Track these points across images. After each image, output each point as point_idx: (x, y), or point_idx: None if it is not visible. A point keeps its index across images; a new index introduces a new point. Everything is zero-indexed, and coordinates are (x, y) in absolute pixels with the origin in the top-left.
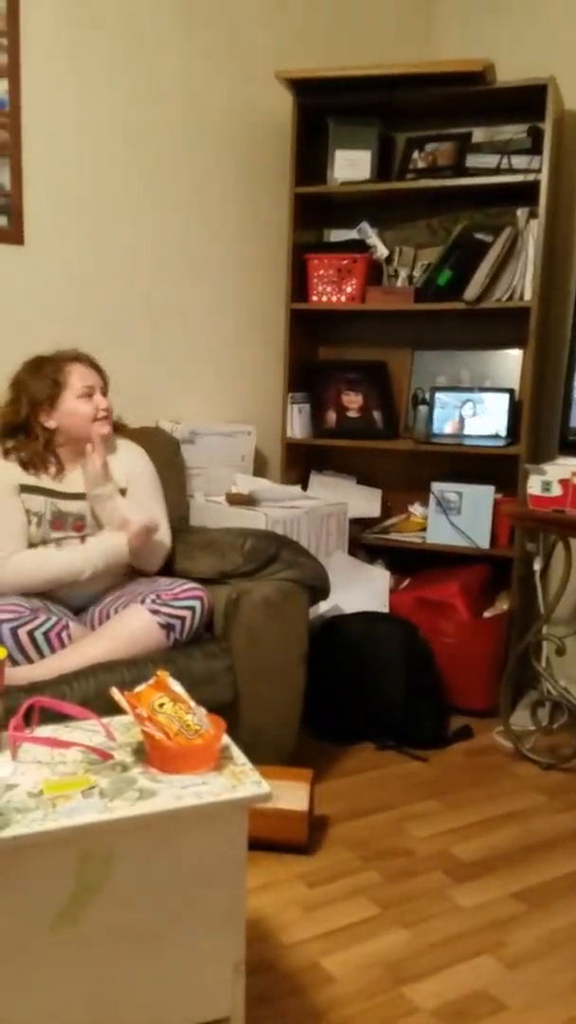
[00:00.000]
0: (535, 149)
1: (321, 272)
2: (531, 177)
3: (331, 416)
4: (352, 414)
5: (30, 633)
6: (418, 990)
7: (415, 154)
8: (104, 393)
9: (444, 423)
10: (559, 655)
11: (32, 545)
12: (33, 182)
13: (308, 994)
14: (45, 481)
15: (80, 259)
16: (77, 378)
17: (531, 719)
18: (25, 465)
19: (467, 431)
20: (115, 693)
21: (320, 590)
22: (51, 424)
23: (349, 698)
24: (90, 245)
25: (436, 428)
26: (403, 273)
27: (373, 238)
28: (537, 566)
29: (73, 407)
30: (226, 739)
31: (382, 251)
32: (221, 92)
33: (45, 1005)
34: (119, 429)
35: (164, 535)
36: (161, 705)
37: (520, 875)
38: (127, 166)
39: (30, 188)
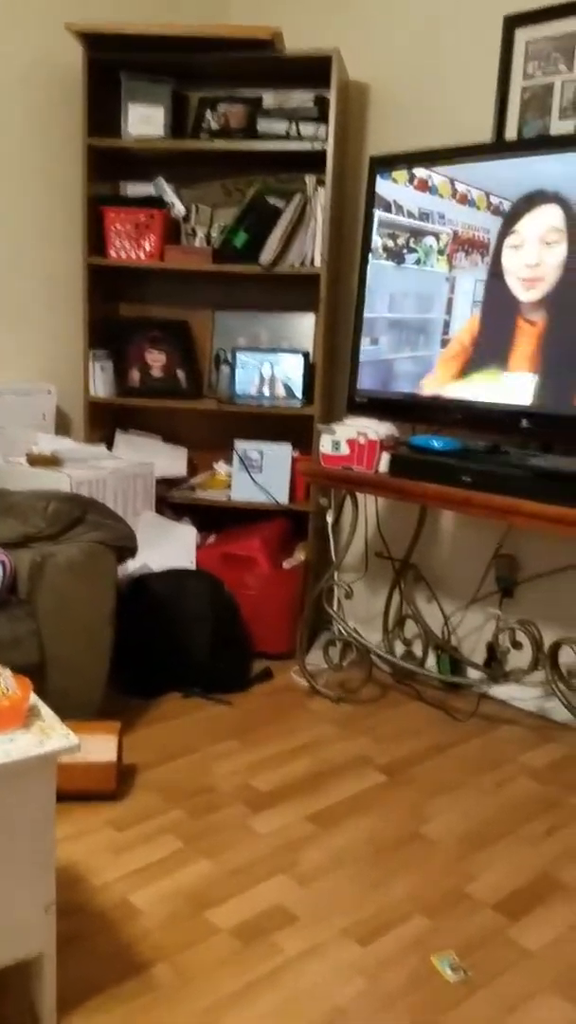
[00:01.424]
0: (322, 118)
1: (118, 226)
2: (318, 145)
3: (135, 375)
4: (156, 373)
5: None
6: (218, 913)
7: (208, 114)
8: None
9: (246, 384)
10: (348, 599)
11: None
12: None
13: (117, 929)
14: None
15: None
16: None
17: (324, 658)
18: None
19: (266, 392)
20: None
21: (128, 550)
22: None
23: (158, 652)
24: None
25: (239, 389)
26: (201, 232)
27: (170, 195)
28: (329, 519)
29: None
30: (34, 698)
31: (179, 208)
32: (11, 41)
33: None
34: None
35: None
36: None
37: (312, 800)
38: None
39: None
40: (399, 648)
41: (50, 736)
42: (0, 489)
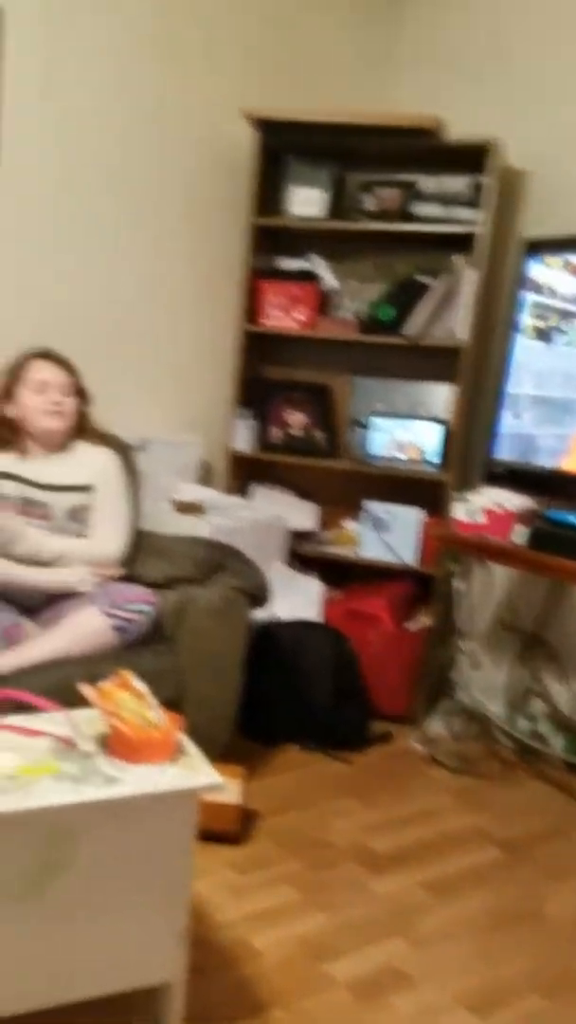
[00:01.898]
0: (476, 202)
1: (272, 297)
2: (470, 228)
3: (275, 432)
4: (295, 432)
5: None
6: (335, 966)
7: (365, 196)
8: (68, 393)
9: (380, 447)
10: (473, 669)
11: None
12: (1, 191)
13: (237, 967)
14: (20, 469)
15: (39, 271)
16: (34, 372)
17: (444, 726)
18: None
19: (399, 455)
20: (83, 688)
21: (260, 599)
22: (11, 413)
23: (280, 701)
24: (50, 258)
25: (372, 450)
26: (348, 304)
27: (323, 270)
28: (458, 585)
29: (26, 399)
30: (180, 734)
31: (330, 282)
32: (187, 122)
33: (6, 965)
34: (86, 431)
35: (115, 543)
36: (124, 701)
37: (428, 868)
38: (93, 182)
39: None
40: (523, 723)
41: (196, 773)
42: (149, 532)
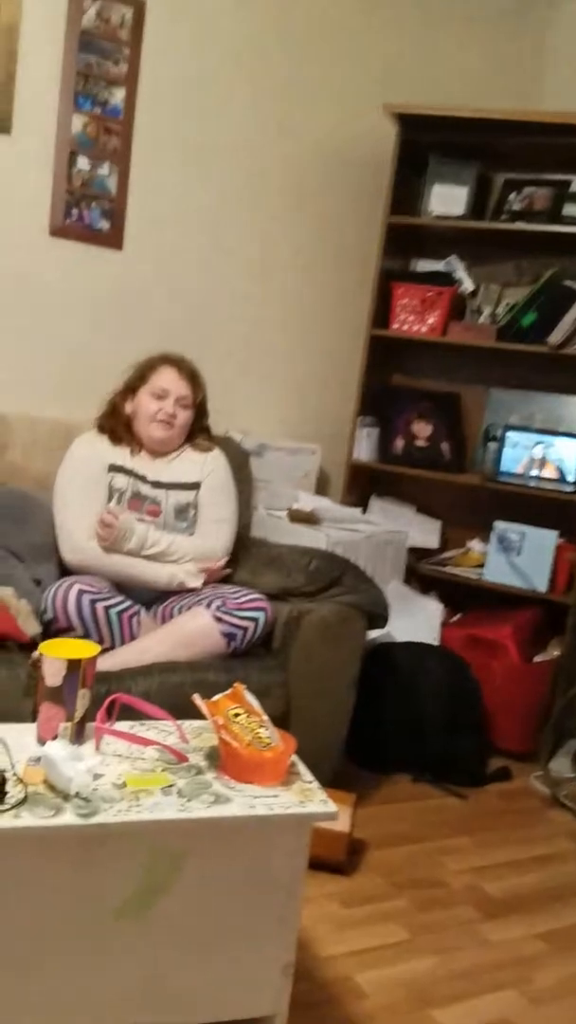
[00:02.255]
0: None
1: (405, 301)
2: None
3: (399, 443)
4: (420, 443)
5: (106, 609)
6: (443, 1014)
7: (511, 196)
8: (184, 405)
9: (513, 463)
10: None
11: None
12: (137, 191)
13: (342, 1005)
14: (132, 463)
15: (172, 268)
16: (157, 377)
17: (571, 767)
18: (112, 439)
19: (535, 473)
20: (196, 699)
21: (379, 618)
22: (127, 409)
23: (392, 727)
24: (183, 255)
25: (504, 466)
26: (486, 310)
27: (461, 272)
28: None
29: (142, 401)
30: (293, 757)
31: (468, 285)
32: (325, 119)
33: (101, 987)
34: (194, 441)
35: (220, 542)
36: (236, 715)
37: (546, 917)
38: (227, 182)
39: (134, 196)
40: None
41: (310, 799)
42: (262, 540)
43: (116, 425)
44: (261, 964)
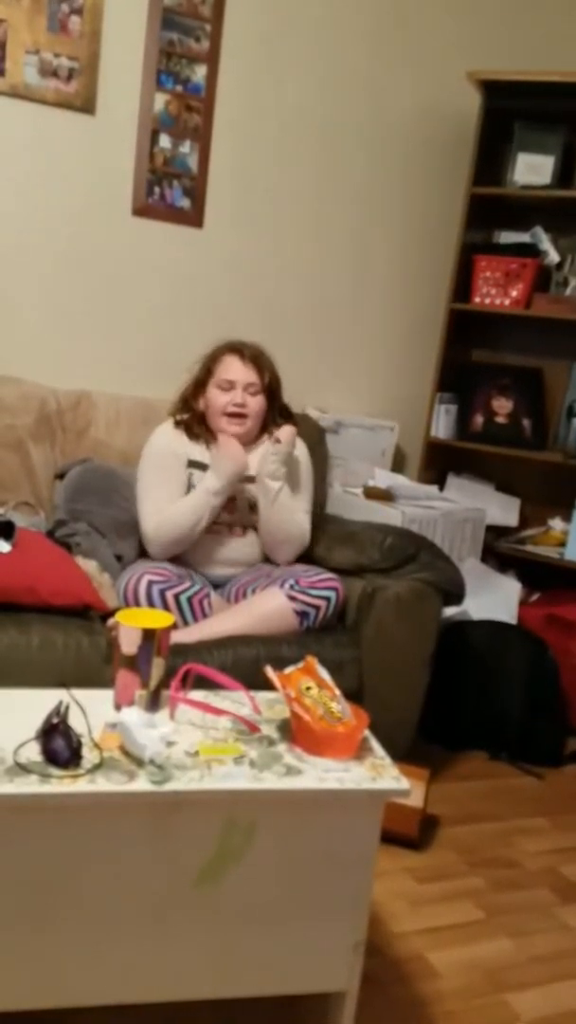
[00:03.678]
0: None
1: (488, 274)
2: None
3: (478, 420)
4: (500, 420)
5: (176, 596)
6: (520, 999)
7: None
8: (253, 392)
9: None
10: None
11: None
12: (217, 168)
13: (413, 984)
14: (208, 458)
15: (251, 246)
16: (223, 369)
17: None
18: (188, 435)
19: None
20: (268, 671)
21: (454, 595)
22: (199, 405)
23: (467, 704)
24: (263, 233)
25: None
26: (573, 281)
27: (546, 243)
28: None
29: (212, 395)
30: (366, 732)
31: (553, 257)
32: (406, 90)
33: (173, 956)
34: (271, 430)
35: (303, 521)
36: (308, 689)
37: None
38: (307, 157)
39: (214, 174)
40: None
41: (382, 775)
42: (337, 517)
43: (191, 421)
44: (332, 939)
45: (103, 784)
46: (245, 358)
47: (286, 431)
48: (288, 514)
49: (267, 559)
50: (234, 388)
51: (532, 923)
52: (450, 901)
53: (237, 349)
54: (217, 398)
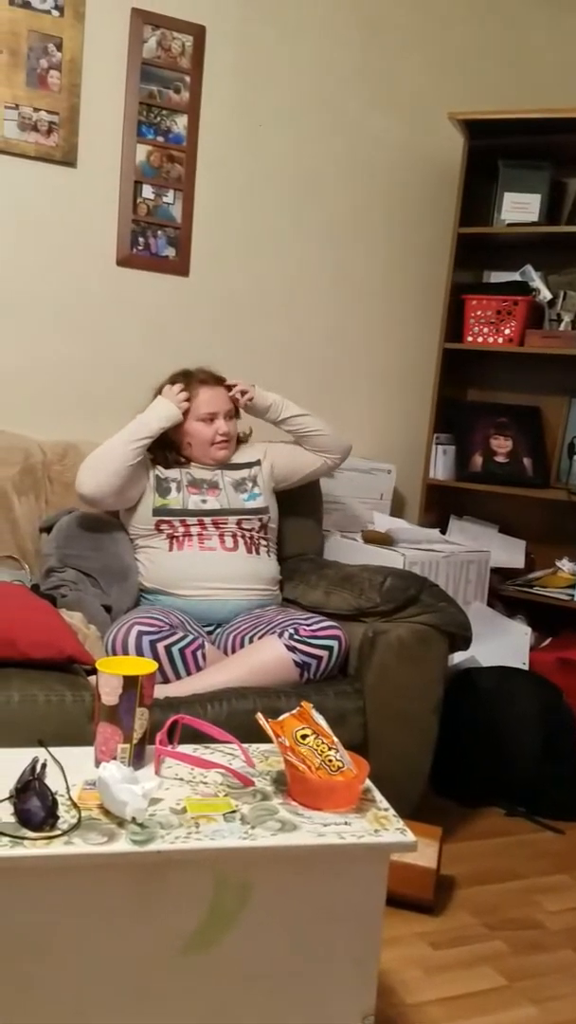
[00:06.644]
0: None
1: (479, 313)
2: None
3: (477, 459)
4: (500, 459)
5: (167, 648)
6: None
7: None
8: (230, 416)
9: None
10: None
11: (174, 511)
12: (202, 216)
13: None
14: (186, 468)
15: (238, 293)
16: (202, 402)
17: None
18: (163, 466)
19: None
20: (260, 719)
21: (460, 638)
22: (175, 436)
23: (480, 756)
24: (249, 279)
25: None
26: (566, 318)
27: (537, 281)
28: None
29: (195, 429)
30: (368, 782)
31: (545, 294)
32: (389, 132)
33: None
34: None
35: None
36: (304, 736)
37: None
38: (292, 203)
39: (199, 222)
40: None
41: (386, 828)
42: (333, 562)
43: (165, 452)
44: (338, 1011)
45: (80, 846)
46: (214, 386)
47: (238, 392)
48: (321, 423)
49: (261, 578)
50: (217, 418)
51: (557, 987)
52: (468, 967)
53: (203, 380)
54: (202, 432)
